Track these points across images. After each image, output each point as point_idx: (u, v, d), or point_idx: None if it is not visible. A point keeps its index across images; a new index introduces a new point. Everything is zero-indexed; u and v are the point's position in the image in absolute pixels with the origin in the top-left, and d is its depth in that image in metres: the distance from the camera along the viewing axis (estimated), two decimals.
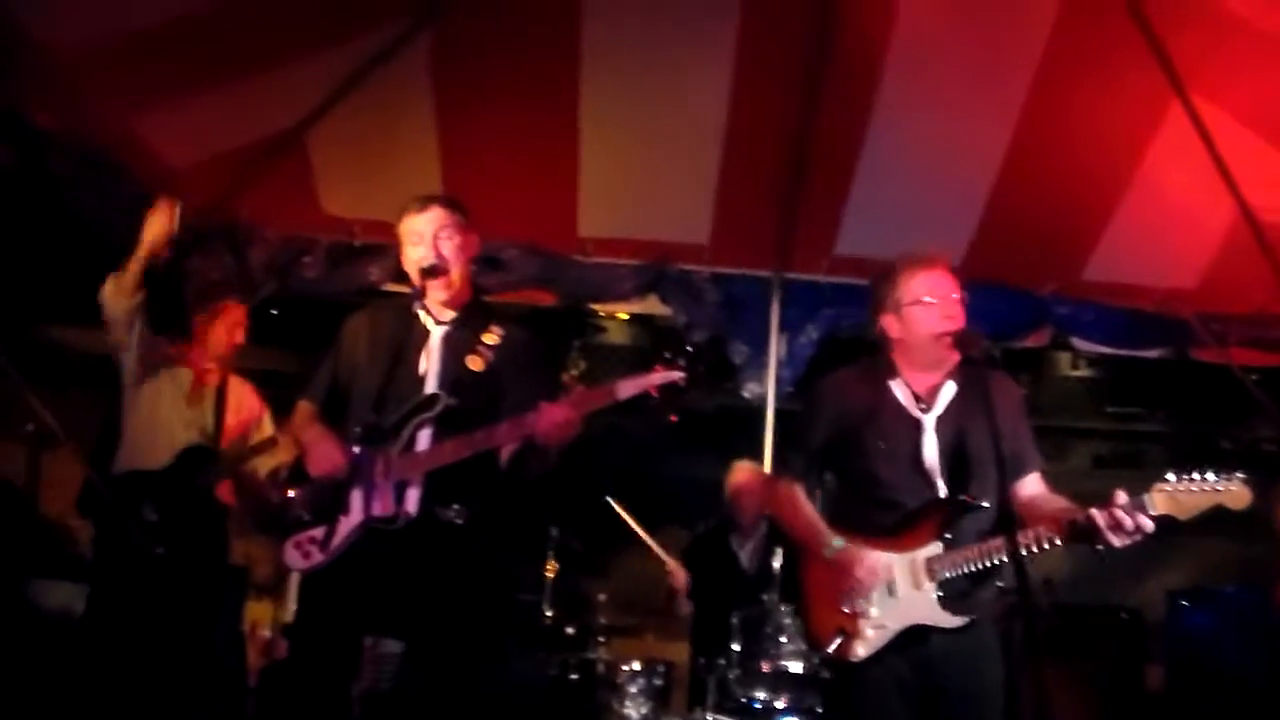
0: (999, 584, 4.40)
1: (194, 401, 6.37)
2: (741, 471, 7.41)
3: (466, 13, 6.56)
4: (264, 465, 6.32)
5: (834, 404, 4.65)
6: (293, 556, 4.42)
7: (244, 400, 6.57)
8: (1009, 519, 4.04)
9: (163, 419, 6.25)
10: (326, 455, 4.39)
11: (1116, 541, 4.07)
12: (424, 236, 4.54)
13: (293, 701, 4.36)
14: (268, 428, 6.53)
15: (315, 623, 4.41)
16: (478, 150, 7.03)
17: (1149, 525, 4.05)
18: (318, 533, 4.32)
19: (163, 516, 5.91)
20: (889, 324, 4.57)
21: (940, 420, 4.48)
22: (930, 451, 4.45)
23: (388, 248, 7.24)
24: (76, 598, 6.42)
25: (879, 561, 4.33)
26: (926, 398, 4.51)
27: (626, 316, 9.35)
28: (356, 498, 4.19)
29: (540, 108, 6.96)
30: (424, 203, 4.63)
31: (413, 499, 4.31)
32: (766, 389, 7.59)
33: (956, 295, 4.47)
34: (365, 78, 6.81)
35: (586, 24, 6.58)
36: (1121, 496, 4.06)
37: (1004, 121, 6.84)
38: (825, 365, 7.62)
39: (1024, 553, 4.06)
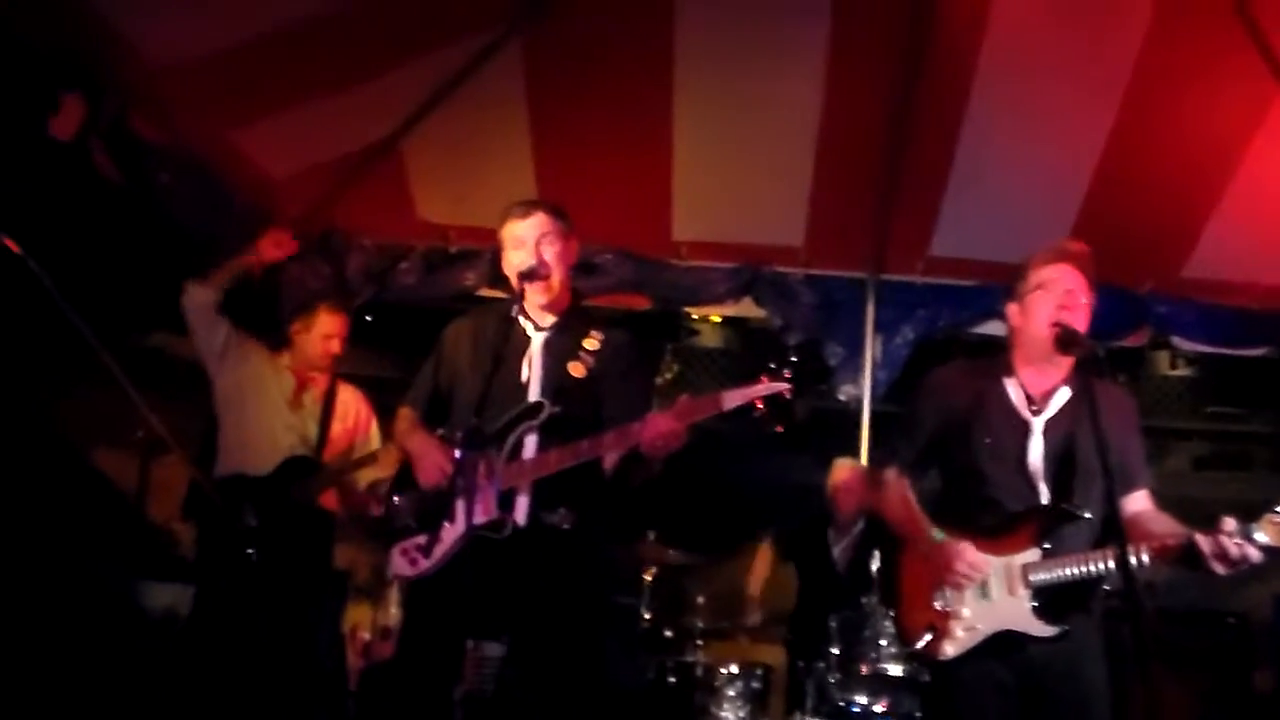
0: (1101, 590, 4.32)
1: (295, 406, 6.42)
2: (842, 469, 7.36)
3: (559, 19, 6.59)
4: (365, 477, 6.40)
5: (944, 397, 4.60)
6: (399, 564, 4.46)
7: (351, 408, 6.61)
8: (1114, 531, 3.97)
9: (264, 423, 6.33)
10: (436, 465, 4.43)
11: (1220, 570, 4.00)
12: (526, 242, 4.55)
13: (395, 703, 4.38)
14: (375, 440, 6.57)
15: (421, 625, 4.44)
16: (572, 155, 7.07)
17: (1256, 555, 3.97)
18: (423, 539, 4.35)
19: (263, 522, 5.90)
20: (1012, 312, 4.54)
21: (1050, 424, 4.40)
22: (1036, 455, 4.38)
23: (483, 253, 7.34)
24: (181, 599, 6.53)
25: (979, 557, 4.28)
26: (1039, 400, 4.44)
27: (719, 319, 9.33)
28: (459, 504, 4.20)
29: (634, 112, 6.99)
30: (527, 208, 4.64)
31: (522, 507, 4.34)
32: (862, 391, 7.55)
33: (1080, 291, 4.39)
34: (459, 85, 6.88)
35: (679, 28, 6.59)
36: (1229, 523, 3.99)
37: (1100, 118, 6.75)
38: (921, 367, 7.59)
39: (1129, 564, 3.99)
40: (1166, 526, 4.27)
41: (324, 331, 6.51)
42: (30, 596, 5.74)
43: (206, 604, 6.09)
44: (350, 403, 6.61)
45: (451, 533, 4.25)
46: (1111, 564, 4.07)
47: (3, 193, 4.14)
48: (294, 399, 6.43)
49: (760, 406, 4.11)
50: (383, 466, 6.20)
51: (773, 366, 4.14)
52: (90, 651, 5.96)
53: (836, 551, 7.21)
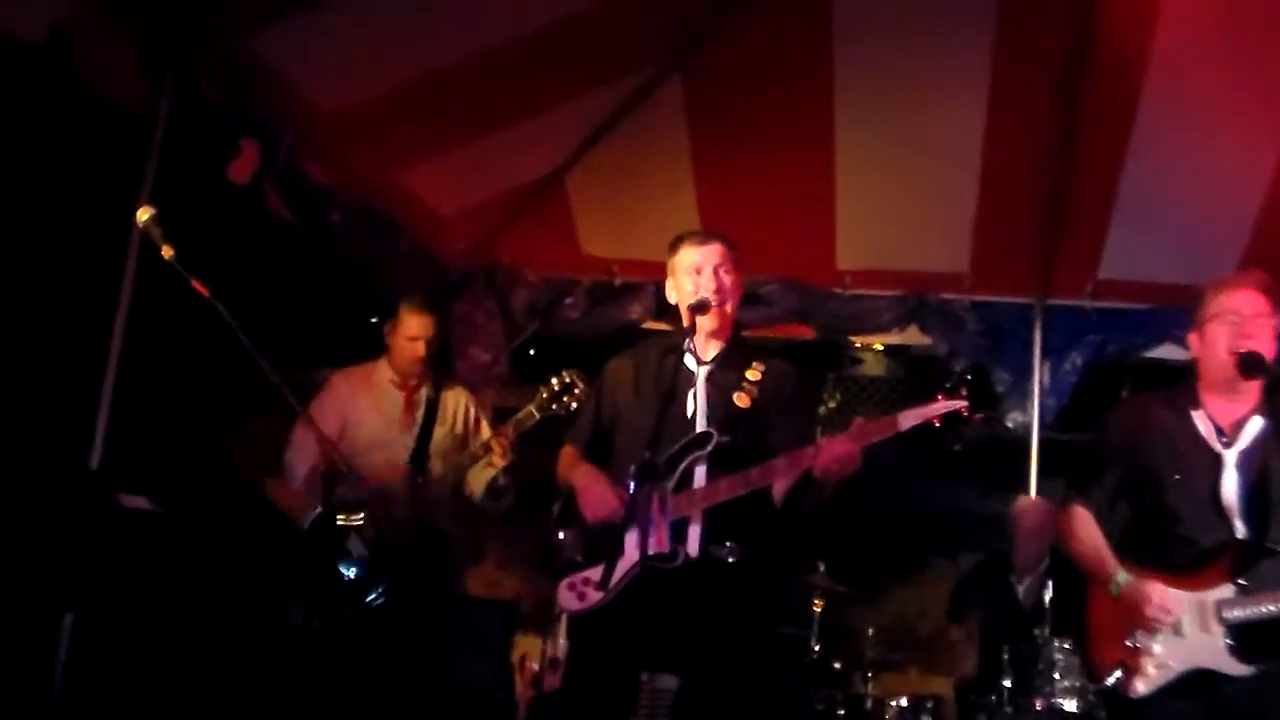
0: None
1: (407, 426, 6.22)
2: (1027, 512, 7.17)
3: (719, 51, 6.63)
4: (478, 477, 6.19)
5: (1131, 430, 4.49)
6: (567, 598, 4.45)
7: (460, 409, 6.38)
8: None
9: (379, 445, 6.14)
10: (601, 499, 4.43)
11: None
12: (703, 269, 4.54)
13: None
14: (485, 432, 6.31)
15: (592, 658, 4.44)
16: (734, 186, 7.10)
17: None
18: (593, 573, 4.34)
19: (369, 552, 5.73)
20: (1192, 341, 4.43)
21: (1243, 456, 4.26)
22: (1230, 489, 4.24)
23: (647, 286, 7.39)
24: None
25: (1170, 599, 4.16)
26: (1230, 431, 4.30)
27: (881, 348, 9.27)
28: (632, 536, 4.18)
29: (795, 142, 7.00)
30: (704, 236, 4.65)
31: (694, 537, 4.31)
32: (1030, 418, 7.43)
33: (1263, 316, 4.26)
34: (621, 119, 6.97)
35: (838, 57, 6.59)
36: None
37: (1272, 136, 6.59)
38: (1090, 393, 7.46)
39: None
40: None
41: (408, 333, 6.22)
42: (206, 622, 5.87)
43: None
44: (458, 405, 6.39)
45: (623, 564, 4.23)
46: None
47: (188, 236, 4.27)
48: (405, 416, 6.26)
49: (938, 425, 4.07)
50: (497, 458, 5.98)
51: (948, 385, 4.10)
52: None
53: (1021, 591, 7.05)
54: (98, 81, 5.23)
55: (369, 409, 6.26)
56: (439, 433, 6.24)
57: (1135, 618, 4.20)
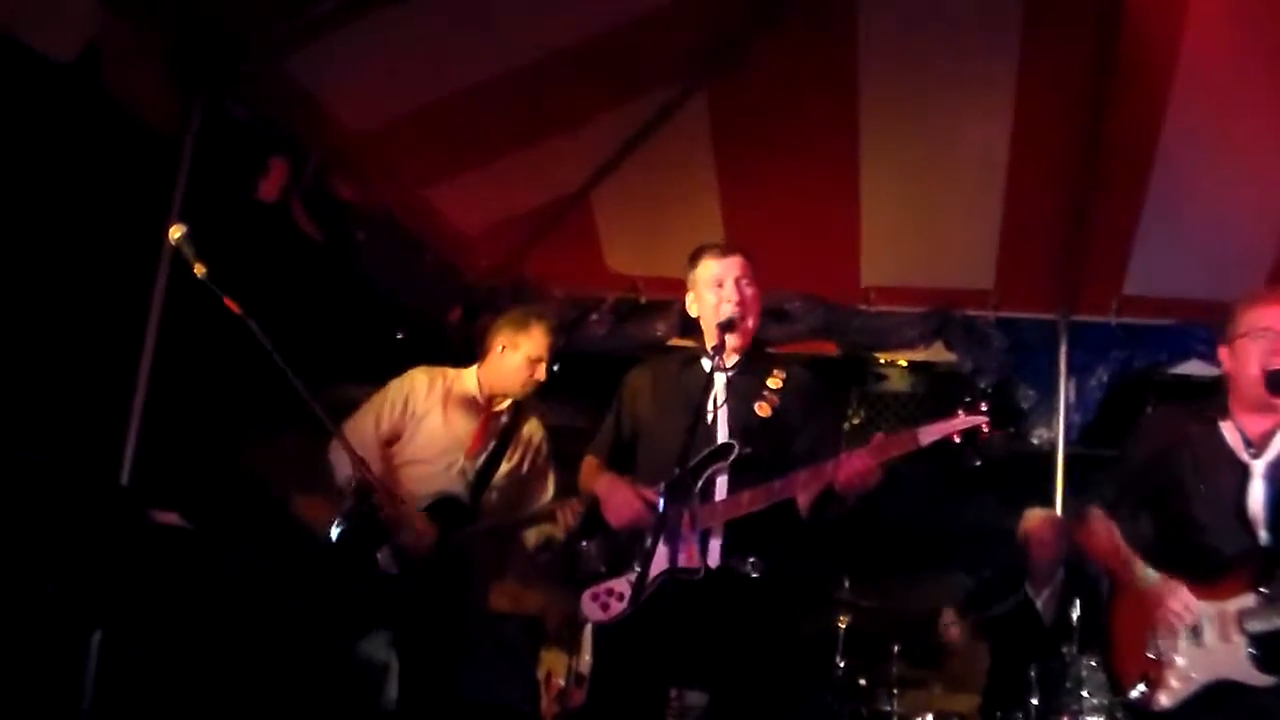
0: None
1: (472, 456, 5.82)
2: (1035, 519, 7.22)
3: (745, 70, 6.67)
4: (537, 534, 5.94)
5: (1157, 440, 4.48)
6: (590, 608, 4.43)
7: (532, 439, 6.01)
8: None
9: (436, 463, 5.78)
10: (626, 503, 4.41)
11: None
12: (725, 281, 4.54)
13: None
14: (549, 489, 6.01)
15: (618, 672, 4.41)
16: (759, 203, 7.13)
17: None
18: (617, 584, 4.35)
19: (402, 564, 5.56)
20: (1224, 356, 4.41)
21: (1271, 467, 4.24)
22: (1256, 499, 4.22)
23: (673, 304, 7.41)
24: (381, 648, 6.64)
25: (1191, 599, 4.16)
26: (1258, 442, 4.29)
27: (905, 364, 9.27)
28: (661, 550, 4.13)
29: (820, 159, 7.02)
30: (725, 249, 4.65)
31: (714, 550, 4.29)
32: (1056, 434, 7.43)
33: None
34: (647, 137, 7.00)
35: (863, 74, 6.62)
36: None
37: None
38: (1116, 409, 7.44)
39: None
40: None
41: (534, 352, 5.78)
42: (234, 639, 5.88)
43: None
44: (533, 436, 6.00)
45: (649, 576, 4.21)
46: None
47: (217, 253, 4.31)
48: (475, 443, 5.83)
49: (958, 441, 4.07)
50: (558, 528, 5.75)
51: (969, 400, 4.10)
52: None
53: (1039, 603, 7.06)
54: (128, 100, 5.29)
55: (438, 418, 5.83)
56: (504, 466, 5.88)
57: (1156, 614, 4.20)
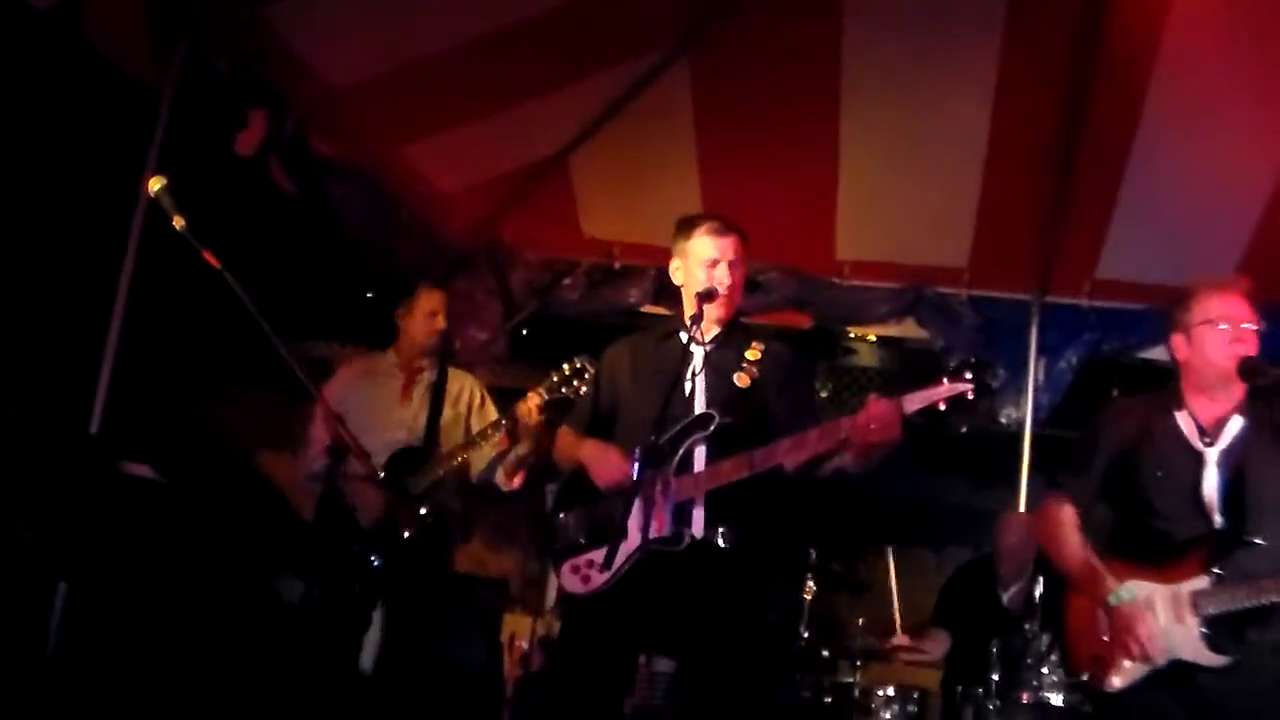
0: None
1: (405, 401, 6.27)
2: (1010, 530, 7.13)
3: (727, 39, 6.65)
4: (483, 456, 6.21)
5: (1116, 430, 4.54)
6: (571, 581, 4.44)
7: (465, 393, 6.40)
8: None
9: (371, 423, 6.01)
10: (616, 465, 4.40)
11: None
12: (719, 261, 4.52)
13: (564, 714, 4.40)
14: (490, 413, 6.35)
15: (588, 638, 4.42)
16: (737, 173, 7.11)
17: None
18: (596, 555, 4.33)
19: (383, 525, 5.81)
20: (1177, 344, 4.46)
21: (1224, 454, 4.31)
22: (1210, 485, 4.29)
23: (647, 270, 7.42)
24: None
25: (1158, 640, 4.16)
26: (1212, 430, 4.35)
27: (874, 339, 9.29)
28: (635, 519, 4.16)
29: (800, 130, 7.01)
30: (723, 228, 4.58)
31: (697, 520, 4.30)
32: (1024, 414, 7.47)
33: (1251, 323, 4.32)
34: (627, 104, 6.98)
35: (846, 48, 6.61)
36: None
37: (1276, 141, 6.60)
38: (1085, 391, 7.49)
39: None
40: None
41: (428, 309, 6.31)
42: (198, 595, 5.87)
43: (324, 599, 5.97)
44: (463, 387, 6.41)
45: (626, 547, 4.23)
46: None
47: (194, 206, 4.26)
48: (404, 393, 6.28)
49: (943, 408, 4.07)
50: (522, 445, 6.03)
51: (953, 367, 4.10)
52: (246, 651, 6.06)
53: (1006, 598, 7.07)
54: (108, 49, 5.23)
55: (363, 393, 6.27)
56: (449, 412, 6.27)
57: (1116, 637, 4.23)
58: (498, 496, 6.52)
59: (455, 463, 6.12)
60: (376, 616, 5.92)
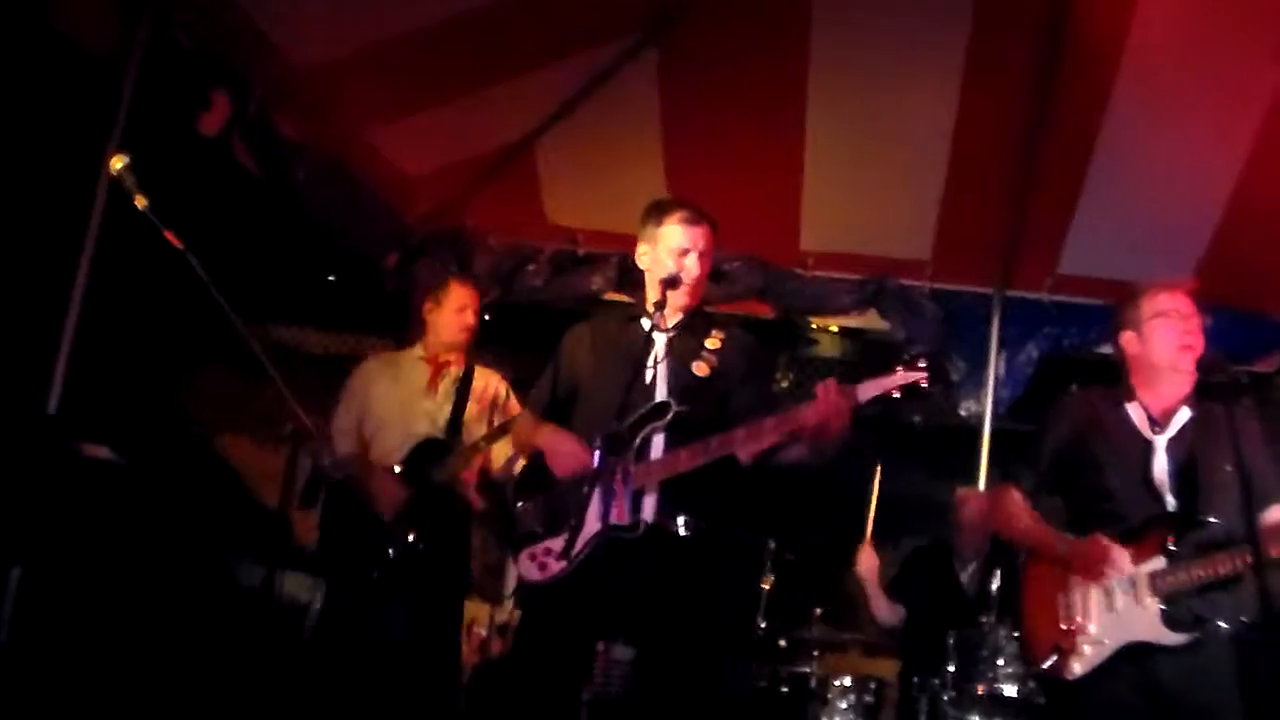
0: (1241, 617, 4.27)
1: (431, 393, 6.32)
2: (969, 503, 7.21)
3: (695, 27, 6.64)
4: (501, 453, 6.28)
5: (1069, 421, 4.69)
6: (528, 568, 4.43)
7: (490, 389, 6.45)
8: (1253, 540, 3.97)
9: (396, 414, 6.27)
10: (573, 454, 4.41)
11: None
12: (689, 251, 4.52)
13: (521, 701, 4.39)
14: (514, 409, 6.36)
15: (546, 626, 4.42)
16: (703, 162, 7.10)
17: None
18: (554, 544, 4.33)
19: (402, 517, 5.96)
20: (1128, 341, 4.62)
21: (1172, 442, 4.48)
22: (1160, 469, 4.46)
23: (611, 257, 7.41)
24: (304, 588, 6.62)
25: (1116, 553, 4.34)
26: (1161, 420, 4.52)
27: (836, 329, 9.29)
28: (594, 507, 4.14)
29: (766, 121, 7.01)
30: (695, 217, 4.58)
31: (649, 506, 4.31)
32: (984, 408, 7.50)
33: (1196, 320, 4.50)
34: (594, 90, 6.96)
35: (814, 39, 6.61)
36: None
37: (1239, 140, 6.65)
38: (1046, 385, 7.53)
39: (1263, 567, 3.95)
40: None
41: (456, 304, 6.38)
42: (155, 578, 5.84)
43: (339, 596, 6.12)
44: (489, 384, 6.46)
45: (585, 534, 4.22)
46: (1241, 564, 4.10)
47: (156, 186, 4.22)
48: (430, 386, 6.33)
49: (897, 397, 4.10)
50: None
51: (907, 357, 4.13)
52: (206, 633, 6.03)
53: (964, 578, 7.13)
54: (70, 26, 5.18)
55: (388, 385, 6.37)
56: (473, 408, 6.35)
57: (1086, 573, 4.37)
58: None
59: (475, 456, 6.21)
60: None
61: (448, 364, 6.40)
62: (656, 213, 4.64)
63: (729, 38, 6.66)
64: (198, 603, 6.12)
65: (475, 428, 6.32)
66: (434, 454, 6.16)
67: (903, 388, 4.09)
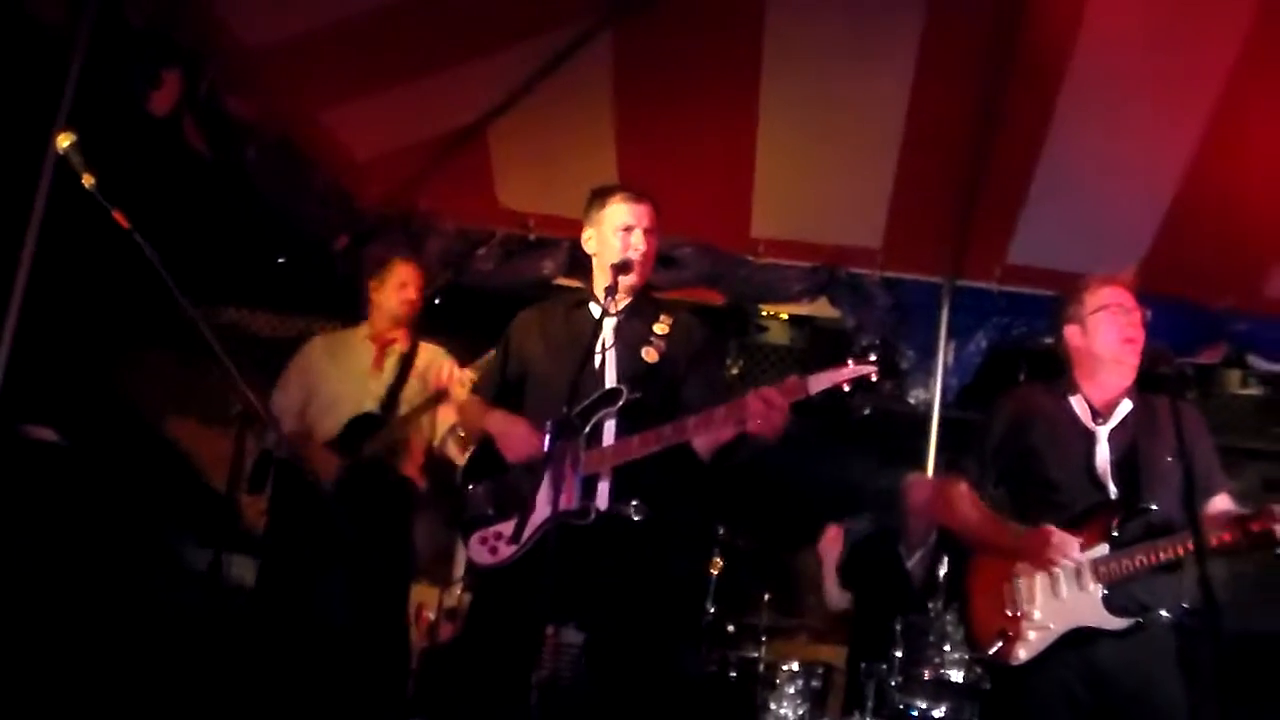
0: (1182, 603, 4.34)
1: (376, 371, 6.39)
2: (918, 490, 7.26)
3: (650, 13, 6.62)
4: (442, 424, 6.36)
5: (1014, 413, 4.75)
6: (479, 552, 4.44)
7: (434, 366, 6.37)
8: (1194, 527, 4.01)
9: (342, 393, 6.31)
10: (524, 438, 4.43)
11: None
12: (634, 228, 4.55)
13: (471, 685, 4.40)
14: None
15: (496, 610, 4.44)
16: (655, 148, 7.09)
17: None
18: (504, 527, 4.33)
19: (340, 488, 5.97)
20: (1072, 334, 4.69)
21: (1114, 433, 4.56)
22: (1102, 459, 4.53)
23: (562, 242, 7.39)
24: (251, 572, 6.59)
25: (1068, 540, 4.39)
26: (1103, 411, 4.60)
27: (786, 317, 9.32)
28: (544, 492, 4.17)
29: (719, 108, 7.01)
30: (637, 195, 4.63)
31: (603, 493, 4.33)
32: (932, 396, 7.53)
33: (1138, 313, 4.59)
34: (547, 75, 6.93)
35: (769, 25, 6.60)
36: None
37: (1188, 133, 6.69)
38: (994, 374, 7.58)
39: (1204, 553, 4.00)
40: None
41: (399, 281, 6.49)
42: (100, 561, 5.80)
43: (274, 578, 6.15)
44: (432, 360, 6.46)
45: (535, 519, 4.24)
46: (1182, 550, 4.18)
47: (105, 167, 4.17)
48: (374, 365, 6.39)
49: (847, 389, 4.12)
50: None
51: (857, 350, 4.16)
52: (150, 616, 6.00)
53: (911, 564, 7.18)
54: None
55: (334, 365, 6.46)
56: (413, 384, 6.39)
57: (1037, 561, 4.42)
58: None
59: (407, 430, 6.27)
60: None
61: (393, 342, 6.48)
62: (599, 196, 4.70)
63: (684, 25, 6.64)
64: (143, 586, 6.08)
65: (412, 397, 6.36)
66: (369, 428, 6.20)
67: (852, 381, 4.11)
